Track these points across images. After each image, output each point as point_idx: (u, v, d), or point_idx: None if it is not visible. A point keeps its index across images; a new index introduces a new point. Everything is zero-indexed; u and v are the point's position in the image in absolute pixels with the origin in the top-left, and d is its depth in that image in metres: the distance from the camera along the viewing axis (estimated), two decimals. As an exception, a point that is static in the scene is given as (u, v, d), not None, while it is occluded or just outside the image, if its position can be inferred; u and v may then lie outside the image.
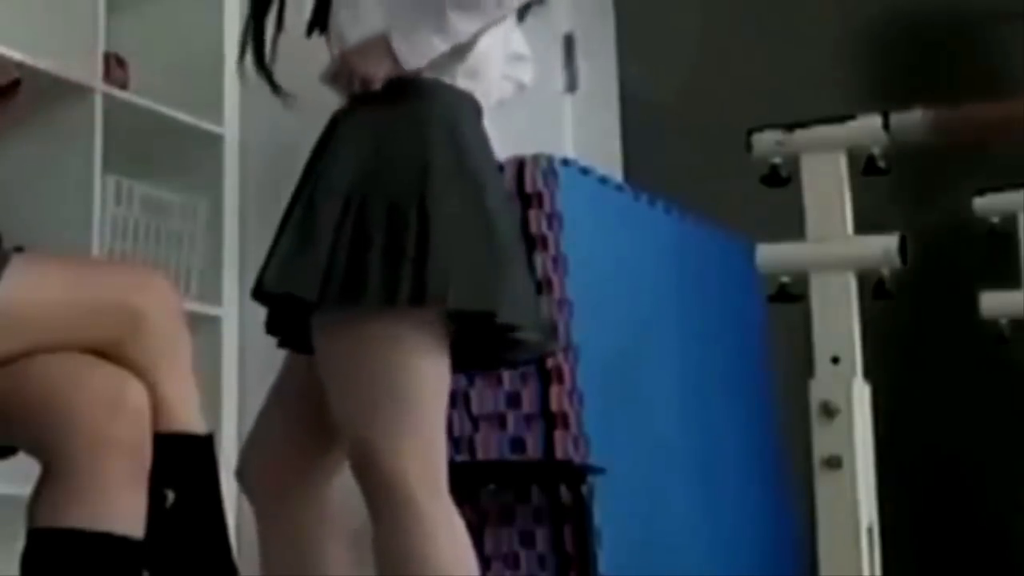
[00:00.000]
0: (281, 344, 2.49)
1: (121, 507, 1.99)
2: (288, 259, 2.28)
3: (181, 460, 2.10)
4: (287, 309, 2.35)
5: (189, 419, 2.13)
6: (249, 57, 2.50)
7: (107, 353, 2.08)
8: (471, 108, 2.41)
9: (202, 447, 2.14)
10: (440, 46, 2.32)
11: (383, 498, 2.26)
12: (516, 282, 2.33)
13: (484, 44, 2.40)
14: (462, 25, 2.32)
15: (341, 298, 2.23)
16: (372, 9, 2.38)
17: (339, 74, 2.40)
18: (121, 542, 1.98)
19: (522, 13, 2.52)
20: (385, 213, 2.25)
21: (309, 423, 2.39)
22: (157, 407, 2.08)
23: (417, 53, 2.32)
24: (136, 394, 2.05)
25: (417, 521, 2.24)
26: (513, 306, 2.30)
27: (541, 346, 2.48)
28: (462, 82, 2.38)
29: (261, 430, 2.48)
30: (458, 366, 2.34)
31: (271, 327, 2.45)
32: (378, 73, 2.35)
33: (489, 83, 2.45)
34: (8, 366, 2.05)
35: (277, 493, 2.42)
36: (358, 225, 2.25)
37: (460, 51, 2.36)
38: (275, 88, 2.52)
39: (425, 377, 2.27)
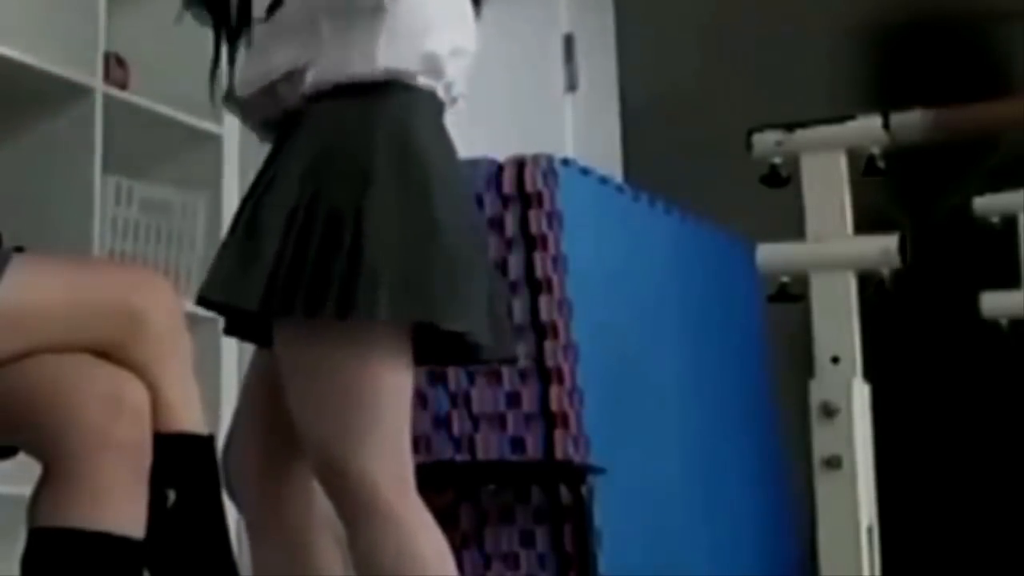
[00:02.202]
0: (244, 338, 2.45)
1: (121, 507, 1.99)
2: (231, 268, 2.22)
3: (182, 460, 2.10)
4: (239, 310, 2.32)
5: (190, 419, 2.13)
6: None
7: (107, 353, 2.08)
8: (429, 106, 2.33)
9: (203, 447, 2.15)
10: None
11: (351, 501, 2.22)
12: (469, 289, 2.25)
13: (437, 40, 2.31)
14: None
15: (282, 309, 2.19)
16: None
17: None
18: (121, 542, 1.98)
19: (477, 5, 2.44)
20: (324, 219, 2.20)
21: (282, 419, 2.34)
22: (157, 407, 2.08)
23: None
24: (136, 394, 2.05)
25: (389, 520, 2.21)
26: (464, 314, 2.22)
27: (496, 352, 2.38)
28: (422, 79, 2.31)
29: (237, 431, 2.43)
30: (421, 359, 2.29)
31: (230, 329, 2.41)
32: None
33: (452, 77, 2.35)
34: (8, 366, 2.05)
35: (260, 493, 2.38)
36: (303, 231, 2.20)
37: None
38: (245, 119, 2.48)
39: (383, 380, 2.22)
